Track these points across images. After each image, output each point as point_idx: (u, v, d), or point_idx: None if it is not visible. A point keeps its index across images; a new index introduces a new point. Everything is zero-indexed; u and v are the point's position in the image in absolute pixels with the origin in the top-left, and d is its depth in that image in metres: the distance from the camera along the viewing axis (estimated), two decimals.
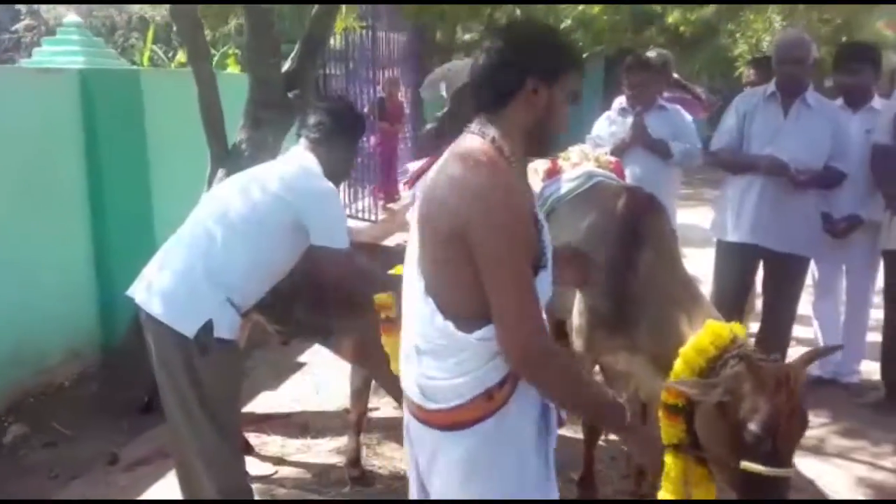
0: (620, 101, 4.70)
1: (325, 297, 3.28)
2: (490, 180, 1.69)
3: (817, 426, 3.87)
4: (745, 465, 2.27)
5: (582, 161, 3.61)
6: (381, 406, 4.31)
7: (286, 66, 4.31)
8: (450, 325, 1.72)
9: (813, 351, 2.57)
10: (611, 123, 4.68)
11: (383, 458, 3.77)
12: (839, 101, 4.28)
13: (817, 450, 3.76)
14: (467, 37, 13.73)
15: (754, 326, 4.21)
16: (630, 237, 2.95)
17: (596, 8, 10.42)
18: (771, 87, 4.06)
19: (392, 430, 3.96)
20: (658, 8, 11.08)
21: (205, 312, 2.52)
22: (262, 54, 4.12)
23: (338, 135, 2.87)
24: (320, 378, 4.66)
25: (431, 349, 1.77)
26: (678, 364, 2.59)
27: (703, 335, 2.56)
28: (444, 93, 3.66)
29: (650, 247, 2.92)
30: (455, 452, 1.80)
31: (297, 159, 2.82)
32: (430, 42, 11.61)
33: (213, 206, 2.74)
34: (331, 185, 2.76)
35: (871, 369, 4.48)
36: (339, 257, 2.72)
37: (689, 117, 4.73)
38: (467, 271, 1.68)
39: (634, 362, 2.93)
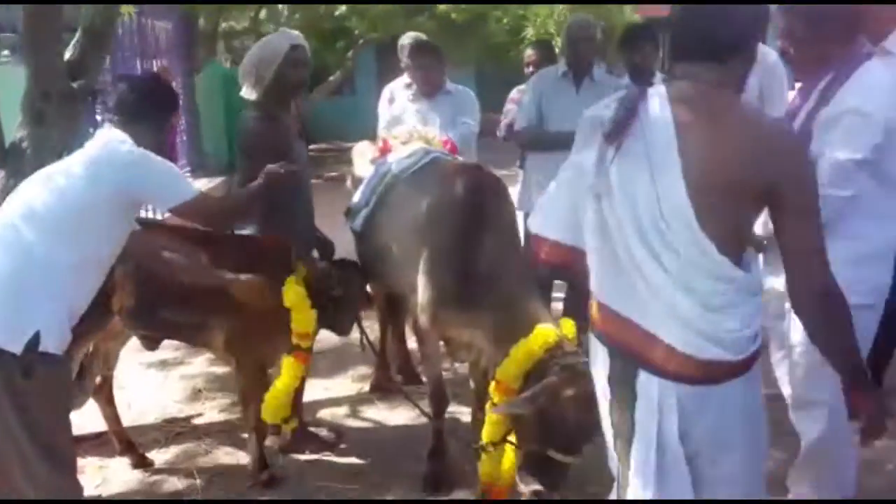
0: (392, 87, 4.79)
1: (193, 294, 3.16)
2: (792, 134, 2.01)
3: None
4: (553, 454, 2.63)
5: (411, 139, 3.64)
6: (206, 411, 4.10)
7: (68, 53, 3.92)
8: (739, 271, 1.75)
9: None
10: (391, 101, 4.74)
11: (221, 463, 3.58)
12: (625, 79, 4.64)
13: None
14: (224, 25, 13.30)
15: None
16: (477, 216, 3.03)
17: None
18: (562, 66, 4.34)
19: (222, 433, 3.80)
20: None
21: (30, 324, 2.24)
22: (41, 41, 3.71)
23: (145, 111, 2.64)
24: (131, 392, 4.33)
25: (728, 302, 1.75)
26: (507, 363, 2.81)
27: (532, 340, 2.77)
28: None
29: (495, 226, 3.03)
30: (739, 398, 1.82)
31: (102, 138, 2.58)
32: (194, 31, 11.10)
33: (16, 206, 2.43)
34: (139, 149, 2.53)
35: None
36: (198, 206, 2.59)
37: (475, 100, 4.90)
38: (748, 217, 1.80)
39: (477, 335, 3.03)
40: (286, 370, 3.24)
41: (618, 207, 1.77)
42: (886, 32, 2.61)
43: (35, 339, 2.23)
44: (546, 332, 2.78)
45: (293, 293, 3.14)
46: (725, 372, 1.78)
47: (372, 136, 4.48)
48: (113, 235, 2.49)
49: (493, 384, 2.91)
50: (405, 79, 4.83)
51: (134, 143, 2.52)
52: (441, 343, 3.33)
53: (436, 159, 3.48)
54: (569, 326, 2.93)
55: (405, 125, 4.38)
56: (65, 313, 2.34)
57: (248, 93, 3.42)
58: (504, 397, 2.83)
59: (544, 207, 2.11)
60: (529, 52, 5.50)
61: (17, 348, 2.21)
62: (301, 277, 3.20)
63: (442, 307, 3.05)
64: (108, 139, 2.54)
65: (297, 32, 3.51)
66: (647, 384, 1.81)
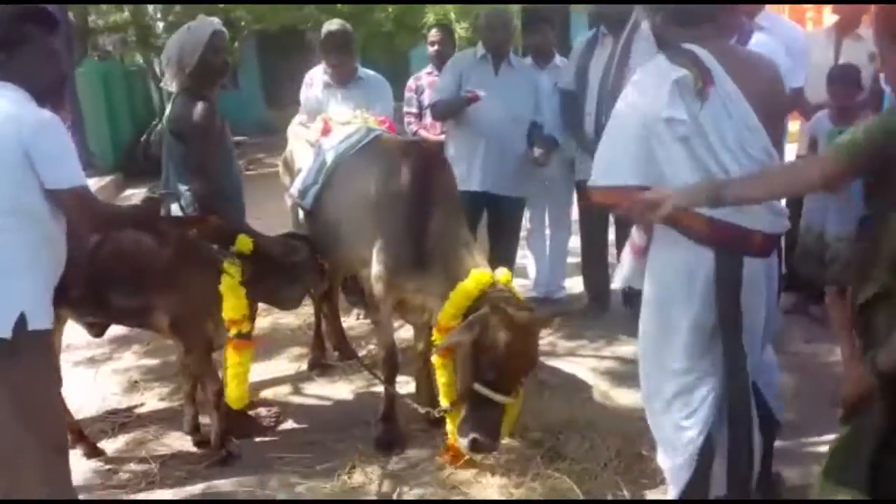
0: (312, 73, 4.92)
1: (142, 276, 3.19)
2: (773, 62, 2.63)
3: (545, 335, 4.50)
4: (477, 387, 2.88)
5: (351, 119, 3.81)
6: (146, 400, 4.13)
7: None
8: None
9: (559, 310, 3.12)
10: (309, 86, 4.88)
11: (172, 447, 3.64)
12: (529, 60, 4.95)
13: (552, 353, 4.43)
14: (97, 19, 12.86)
15: None
16: (424, 188, 3.27)
17: None
18: (480, 49, 4.58)
19: (166, 420, 3.86)
20: None
21: (14, 307, 2.27)
22: None
23: (21, 42, 2.34)
24: (65, 390, 4.26)
25: None
26: (447, 306, 3.09)
27: (468, 281, 3.06)
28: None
29: (442, 199, 3.28)
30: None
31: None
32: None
33: None
34: (50, 114, 2.34)
35: (572, 284, 5.31)
36: (83, 198, 2.37)
37: (388, 87, 5.10)
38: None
39: (428, 299, 3.27)
40: (231, 360, 3.31)
41: (711, 137, 2.31)
42: None
43: (21, 320, 2.26)
44: (480, 275, 3.07)
45: (226, 280, 3.19)
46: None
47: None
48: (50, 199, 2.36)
49: (435, 331, 3.18)
50: (324, 65, 4.97)
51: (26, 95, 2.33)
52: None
53: (378, 136, 3.68)
54: (504, 274, 3.20)
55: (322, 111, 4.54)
56: (43, 288, 2.38)
57: (169, 83, 3.48)
58: (440, 336, 3.13)
59: (609, 164, 2.53)
60: (434, 32, 5.69)
61: (5, 332, 2.24)
62: (246, 249, 3.24)
63: (396, 275, 3.27)
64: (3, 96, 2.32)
65: (216, 19, 3.56)
66: (749, 266, 2.38)
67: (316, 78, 5.11)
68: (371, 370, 3.58)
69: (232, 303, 3.17)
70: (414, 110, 5.43)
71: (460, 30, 9.44)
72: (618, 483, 3.04)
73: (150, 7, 11.17)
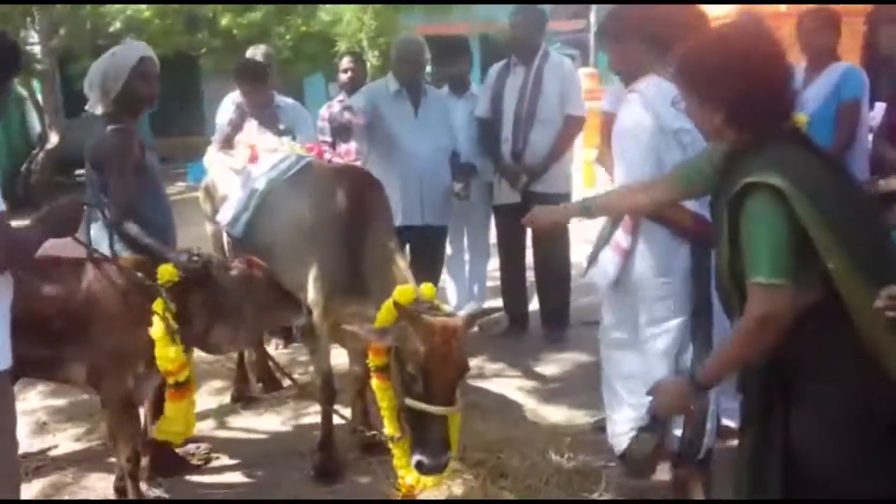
0: (233, 97, 4.87)
1: (50, 325, 2.87)
2: None
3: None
4: (409, 402, 2.80)
5: (278, 147, 3.76)
6: (59, 442, 3.92)
7: None
8: None
9: (479, 312, 3.15)
10: (226, 112, 4.82)
11: (92, 490, 3.46)
12: (445, 90, 5.04)
13: (480, 375, 4.47)
14: None
15: None
16: (360, 212, 3.26)
17: (146, 12, 10.13)
18: (393, 84, 4.51)
19: (84, 462, 3.67)
20: (209, 11, 11.22)
21: None
22: None
23: None
24: None
25: None
26: (377, 320, 2.99)
27: (393, 295, 2.97)
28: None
29: (376, 220, 3.27)
30: None
31: None
32: None
33: None
34: None
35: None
36: None
37: (307, 114, 5.10)
38: None
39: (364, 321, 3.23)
40: (169, 410, 3.04)
41: (696, 140, 2.54)
42: None
43: None
44: (404, 290, 3.00)
45: (157, 324, 2.84)
46: None
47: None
48: None
49: (369, 353, 3.16)
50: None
51: None
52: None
53: (310, 163, 3.65)
54: (428, 288, 3.15)
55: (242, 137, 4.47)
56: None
57: (93, 106, 3.36)
58: (376, 357, 3.12)
59: (627, 175, 2.84)
60: (346, 60, 5.67)
61: None
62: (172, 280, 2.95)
63: (333, 300, 3.24)
64: None
65: (144, 44, 3.47)
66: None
67: (235, 102, 5.05)
68: (311, 391, 3.52)
69: (166, 352, 2.84)
70: (328, 139, 5.41)
71: (372, 58, 9.50)
72: (562, 497, 3.11)
73: (32, 31, 10.67)
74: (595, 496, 3.12)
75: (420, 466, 2.83)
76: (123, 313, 2.91)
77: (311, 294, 3.26)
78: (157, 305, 2.85)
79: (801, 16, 4.25)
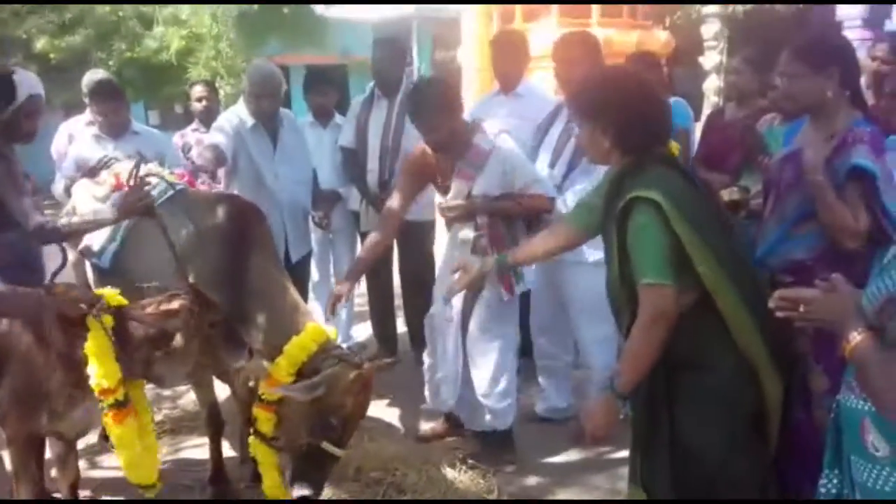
0: (69, 126, 4.70)
1: None
2: None
3: None
4: (327, 446, 2.89)
5: (146, 174, 3.61)
6: None
7: None
8: None
9: (380, 363, 3.26)
10: (70, 141, 4.66)
11: None
12: (310, 118, 5.10)
13: None
14: None
15: None
16: (242, 242, 3.24)
17: None
18: (249, 119, 4.34)
19: None
20: (23, 34, 10.51)
21: None
22: None
23: None
24: None
25: None
26: (282, 358, 3.04)
27: (304, 336, 3.05)
28: None
29: (260, 250, 3.26)
30: None
31: None
32: None
33: None
34: None
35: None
36: None
37: (168, 140, 4.99)
38: None
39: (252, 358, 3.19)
40: (116, 435, 2.86)
41: None
42: None
43: None
44: (317, 329, 3.09)
45: (93, 339, 2.72)
46: None
47: None
48: None
49: (263, 382, 3.09)
50: (86, 116, 4.71)
51: None
52: None
53: (183, 190, 3.54)
54: (333, 330, 3.26)
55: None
56: None
57: None
58: (273, 390, 3.03)
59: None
60: (200, 89, 5.58)
61: None
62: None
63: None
64: None
65: (36, 79, 3.17)
66: None
67: (76, 132, 4.83)
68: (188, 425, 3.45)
69: (103, 369, 2.72)
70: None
71: (227, 87, 9.28)
72: None
73: None
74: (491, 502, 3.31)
75: (305, 500, 2.91)
76: (29, 344, 2.76)
77: None
78: (91, 322, 2.72)
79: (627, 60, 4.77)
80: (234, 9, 8.62)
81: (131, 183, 3.04)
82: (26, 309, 2.51)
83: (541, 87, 5.09)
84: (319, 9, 8.59)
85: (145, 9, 11.28)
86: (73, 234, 2.85)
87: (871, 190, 2.49)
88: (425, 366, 3.94)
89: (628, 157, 2.30)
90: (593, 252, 3.36)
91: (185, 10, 11.22)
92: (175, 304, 2.77)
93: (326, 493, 3.35)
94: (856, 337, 1.65)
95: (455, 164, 3.53)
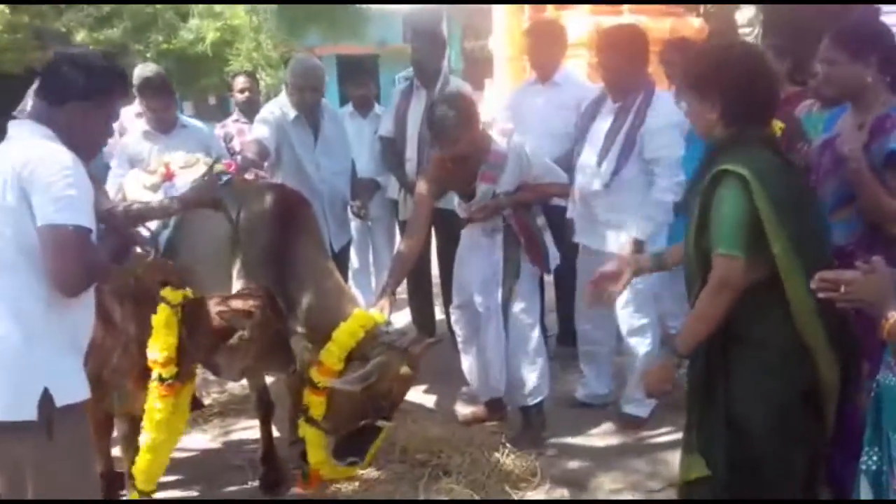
0: (121, 117, 4.79)
1: None
2: None
3: None
4: (382, 423, 3.08)
5: (193, 164, 3.72)
6: None
7: None
8: None
9: (427, 342, 3.35)
10: (121, 133, 4.74)
11: None
12: (350, 109, 5.20)
13: None
14: None
15: None
16: (288, 228, 3.33)
17: None
18: (292, 111, 4.42)
19: None
20: (62, 27, 10.72)
21: (33, 383, 2.03)
22: None
23: (85, 93, 2.18)
24: None
25: None
26: (332, 345, 3.14)
27: (351, 322, 3.15)
28: None
29: (306, 236, 3.35)
30: None
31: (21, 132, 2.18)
32: None
33: None
34: (68, 152, 2.14)
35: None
36: (67, 243, 2.02)
37: (214, 135, 5.11)
38: None
39: (294, 339, 3.26)
40: (149, 419, 2.96)
41: None
42: None
43: (47, 397, 2.02)
44: (364, 315, 3.20)
45: (163, 310, 2.87)
46: None
47: None
48: None
49: (314, 369, 3.20)
50: (135, 107, 4.83)
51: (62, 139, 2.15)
52: None
53: (230, 180, 3.60)
54: (379, 315, 3.35)
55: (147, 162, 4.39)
56: (68, 353, 2.14)
57: None
58: (325, 378, 3.15)
59: None
60: (242, 80, 5.70)
61: (30, 414, 2.00)
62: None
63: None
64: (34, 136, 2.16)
65: None
66: None
67: (126, 122, 4.95)
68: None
69: (162, 341, 2.85)
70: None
71: (266, 77, 9.43)
72: (504, 489, 3.36)
73: None
74: (534, 484, 3.41)
75: (353, 465, 3.16)
76: None
77: None
78: (165, 295, 2.86)
79: (665, 46, 4.79)
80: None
81: (205, 178, 3.16)
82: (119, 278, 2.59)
83: (578, 75, 5.14)
84: None
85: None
86: (138, 221, 2.95)
87: None
88: (466, 356, 4.06)
89: (730, 129, 2.35)
90: None
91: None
92: (249, 304, 2.88)
93: (374, 474, 3.47)
94: (894, 315, 1.71)
95: (478, 169, 3.71)
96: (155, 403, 2.93)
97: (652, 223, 3.67)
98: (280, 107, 4.50)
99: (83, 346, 2.24)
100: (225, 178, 3.64)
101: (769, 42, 4.47)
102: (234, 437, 4.08)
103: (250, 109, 5.44)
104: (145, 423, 2.98)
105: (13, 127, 2.22)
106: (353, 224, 4.99)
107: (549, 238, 3.90)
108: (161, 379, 2.92)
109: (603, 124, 3.84)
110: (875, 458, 1.97)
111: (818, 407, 2.31)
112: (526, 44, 4.85)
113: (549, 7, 8.93)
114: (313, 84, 4.41)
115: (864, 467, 1.99)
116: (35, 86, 2.33)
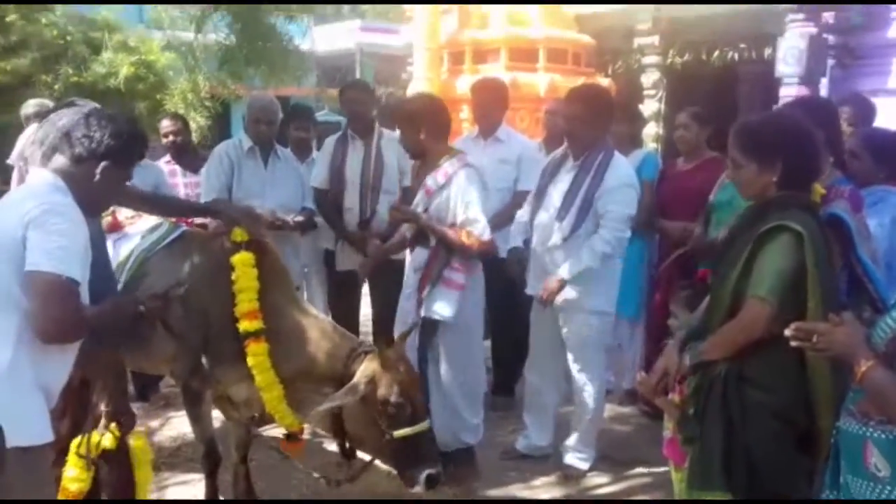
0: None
1: None
2: None
3: None
4: (399, 433, 2.98)
5: (140, 215, 3.61)
6: None
7: None
8: None
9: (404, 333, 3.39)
10: None
11: None
12: (288, 150, 5.16)
13: None
14: None
15: None
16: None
17: None
18: (247, 141, 4.68)
19: None
20: None
21: None
22: None
23: (110, 155, 2.26)
24: None
25: None
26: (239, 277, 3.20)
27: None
28: None
29: (271, 284, 3.30)
30: None
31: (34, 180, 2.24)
32: None
33: None
34: (73, 203, 2.19)
35: None
36: (53, 290, 2.04)
37: (161, 169, 5.13)
38: None
39: (255, 389, 3.24)
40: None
41: None
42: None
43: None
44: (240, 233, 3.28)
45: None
46: None
47: None
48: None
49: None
50: None
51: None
52: None
53: (187, 232, 3.57)
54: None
55: None
56: (29, 390, 2.08)
57: None
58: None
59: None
60: (167, 123, 5.60)
61: None
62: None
63: (222, 367, 3.28)
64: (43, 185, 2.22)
65: None
66: None
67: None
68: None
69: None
70: None
71: (199, 118, 9.20)
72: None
73: None
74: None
75: (431, 480, 3.01)
76: None
77: (193, 362, 3.30)
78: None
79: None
80: (213, 41, 8.70)
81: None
82: (126, 316, 2.55)
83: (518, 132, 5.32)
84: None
85: (94, 34, 11.12)
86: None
87: (847, 240, 2.78)
88: None
89: (782, 191, 2.54)
90: (590, 300, 3.85)
91: (134, 38, 11.17)
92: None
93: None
94: (866, 363, 1.88)
95: (424, 178, 3.92)
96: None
97: (579, 265, 3.83)
98: (239, 138, 4.76)
99: (53, 392, 2.20)
100: (181, 229, 3.57)
101: (692, 110, 4.75)
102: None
103: (179, 152, 5.38)
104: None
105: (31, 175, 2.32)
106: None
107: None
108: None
109: (562, 184, 3.98)
110: (832, 499, 2.13)
111: (813, 447, 2.49)
112: (470, 100, 4.98)
113: (468, 60, 9.09)
114: (269, 118, 4.67)
115: None
116: (38, 132, 2.37)
